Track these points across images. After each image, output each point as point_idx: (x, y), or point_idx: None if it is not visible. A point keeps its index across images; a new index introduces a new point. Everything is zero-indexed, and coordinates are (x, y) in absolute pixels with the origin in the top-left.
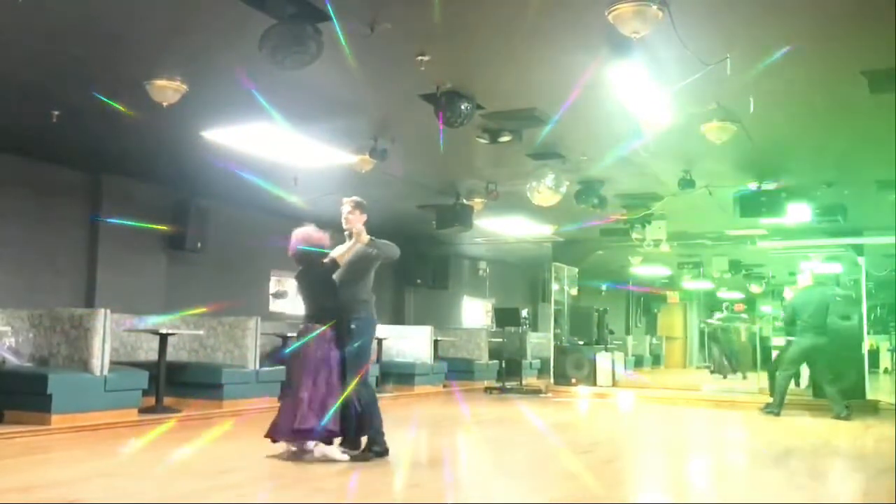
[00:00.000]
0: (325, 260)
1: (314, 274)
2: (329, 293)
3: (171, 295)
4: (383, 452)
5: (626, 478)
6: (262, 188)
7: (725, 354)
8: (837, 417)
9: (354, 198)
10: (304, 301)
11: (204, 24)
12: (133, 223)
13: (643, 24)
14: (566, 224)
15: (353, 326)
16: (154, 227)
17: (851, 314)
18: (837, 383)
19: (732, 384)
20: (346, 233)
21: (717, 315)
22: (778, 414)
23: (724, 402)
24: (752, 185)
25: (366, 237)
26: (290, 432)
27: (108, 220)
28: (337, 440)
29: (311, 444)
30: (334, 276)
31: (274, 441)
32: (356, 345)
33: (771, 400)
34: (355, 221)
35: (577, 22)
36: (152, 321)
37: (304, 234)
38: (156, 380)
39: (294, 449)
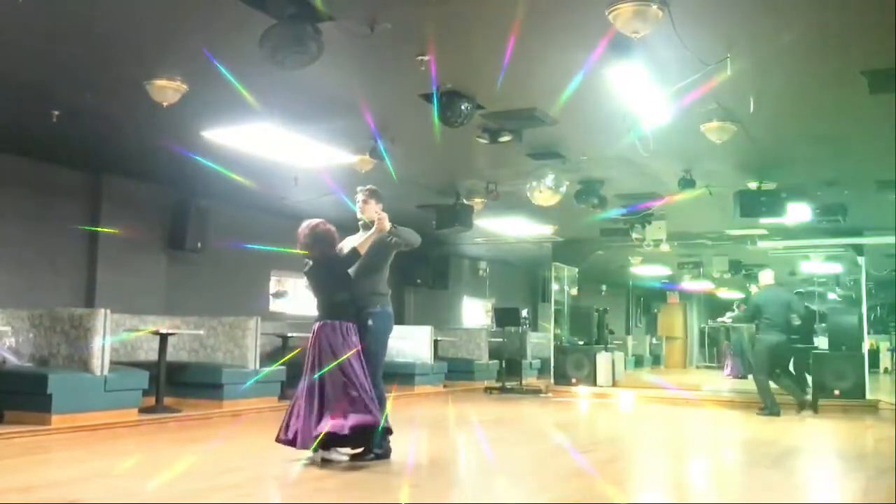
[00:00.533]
0: (345, 251)
1: (328, 267)
2: (344, 287)
3: (171, 295)
4: (384, 455)
5: (627, 478)
6: (262, 188)
7: (736, 354)
8: (802, 404)
9: (369, 186)
10: (317, 297)
11: (204, 24)
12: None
13: (643, 24)
14: (569, 220)
15: (370, 322)
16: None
17: (807, 315)
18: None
19: (735, 384)
20: (360, 223)
21: (730, 314)
22: (778, 413)
23: (724, 402)
24: (752, 185)
25: (388, 224)
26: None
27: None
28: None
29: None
30: (349, 270)
31: (303, 447)
32: (373, 341)
33: (766, 403)
34: (370, 211)
35: (577, 22)
36: (151, 321)
37: (312, 227)
38: (156, 380)
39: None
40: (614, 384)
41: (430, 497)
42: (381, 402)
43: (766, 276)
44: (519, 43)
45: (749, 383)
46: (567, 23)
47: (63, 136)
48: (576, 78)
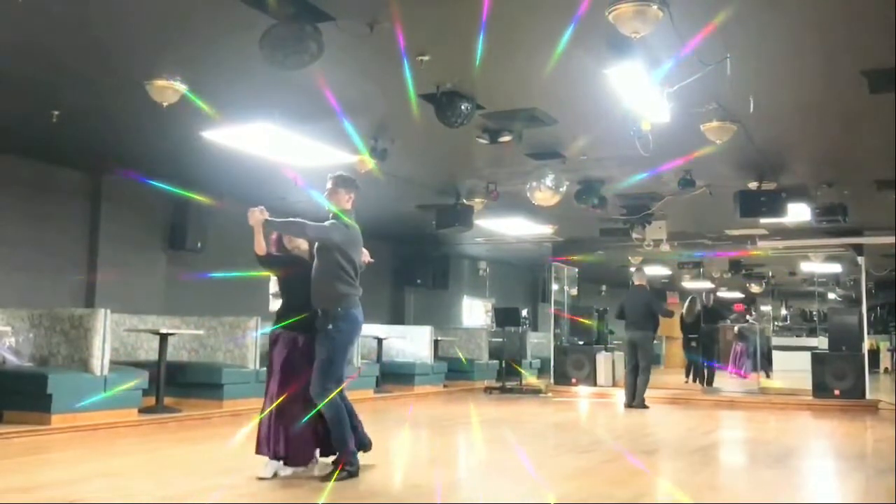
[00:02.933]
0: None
1: (305, 269)
2: (304, 289)
3: (170, 295)
4: (354, 473)
5: (627, 478)
6: (263, 188)
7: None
8: (640, 406)
9: (339, 173)
10: (291, 299)
11: (204, 24)
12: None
13: (643, 24)
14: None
15: (329, 327)
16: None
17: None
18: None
19: (740, 383)
20: (329, 214)
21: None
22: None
23: (723, 402)
24: (753, 185)
25: (259, 216)
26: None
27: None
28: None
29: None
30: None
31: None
32: (331, 347)
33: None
34: (339, 200)
35: (577, 22)
36: (151, 321)
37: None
38: (156, 380)
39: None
40: (614, 384)
41: (429, 497)
42: (339, 415)
43: (638, 277)
44: (519, 43)
45: (750, 383)
46: (567, 23)
47: (63, 136)
48: (576, 78)
